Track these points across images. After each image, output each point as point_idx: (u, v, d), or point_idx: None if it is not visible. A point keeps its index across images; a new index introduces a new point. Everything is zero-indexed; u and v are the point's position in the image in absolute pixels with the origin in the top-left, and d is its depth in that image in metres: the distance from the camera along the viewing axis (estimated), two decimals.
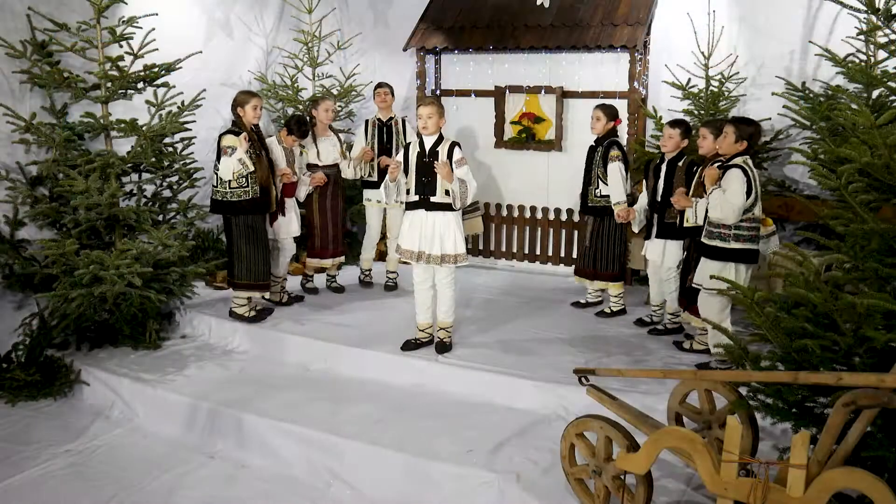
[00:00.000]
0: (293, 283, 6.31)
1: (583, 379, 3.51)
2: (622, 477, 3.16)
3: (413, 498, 3.70)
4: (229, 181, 5.18)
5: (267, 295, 5.80)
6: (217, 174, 5.24)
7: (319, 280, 6.44)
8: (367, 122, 6.29)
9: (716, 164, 4.50)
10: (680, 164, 4.98)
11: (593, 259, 5.65)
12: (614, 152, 5.40)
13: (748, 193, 4.16)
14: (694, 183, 4.73)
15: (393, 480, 3.79)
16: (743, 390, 3.26)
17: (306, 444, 4.07)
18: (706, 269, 4.33)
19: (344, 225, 6.30)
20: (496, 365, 4.65)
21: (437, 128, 4.65)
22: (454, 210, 4.69)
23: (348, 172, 6.13)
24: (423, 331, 4.96)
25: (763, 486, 2.63)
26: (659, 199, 5.06)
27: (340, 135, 6.32)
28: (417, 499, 3.69)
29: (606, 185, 5.44)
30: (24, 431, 4.47)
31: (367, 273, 6.56)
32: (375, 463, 3.87)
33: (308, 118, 6.04)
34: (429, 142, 4.68)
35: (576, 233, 6.91)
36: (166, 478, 3.97)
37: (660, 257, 5.11)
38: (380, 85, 6.33)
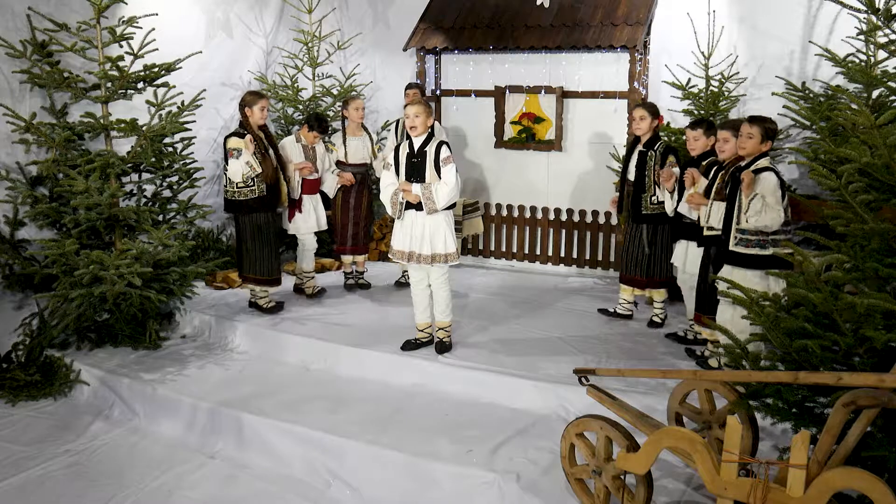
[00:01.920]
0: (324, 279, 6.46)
1: (583, 379, 3.51)
2: (622, 477, 3.16)
3: (413, 498, 3.70)
4: (236, 182, 5.31)
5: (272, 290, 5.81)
6: (225, 174, 5.37)
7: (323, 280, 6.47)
8: (398, 122, 6.32)
9: (742, 168, 4.26)
10: (703, 163, 4.74)
11: (648, 267, 5.27)
12: (671, 158, 5.04)
13: (782, 196, 4.03)
14: (716, 187, 4.46)
15: (393, 480, 3.79)
16: (743, 390, 3.26)
17: (306, 444, 4.07)
18: (746, 280, 4.01)
19: (367, 224, 6.38)
20: (496, 365, 4.65)
21: (424, 127, 4.67)
22: (445, 209, 4.70)
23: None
24: (422, 331, 4.96)
25: (763, 486, 2.63)
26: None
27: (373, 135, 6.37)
28: (417, 499, 3.69)
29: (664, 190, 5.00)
30: (24, 431, 4.48)
31: (405, 273, 6.54)
32: (375, 463, 3.87)
33: (342, 118, 6.17)
34: (417, 142, 4.70)
35: (576, 233, 6.92)
36: (166, 478, 3.97)
37: (682, 261, 4.91)
38: (409, 86, 6.39)
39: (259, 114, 5.38)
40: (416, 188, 4.64)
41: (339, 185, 6.09)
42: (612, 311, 5.62)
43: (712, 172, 4.60)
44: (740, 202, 4.13)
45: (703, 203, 4.50)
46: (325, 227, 6.03)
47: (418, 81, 6.58)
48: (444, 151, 4.67)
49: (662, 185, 4.95)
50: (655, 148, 5.11)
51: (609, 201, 5.62)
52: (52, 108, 5.45)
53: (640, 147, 5.17)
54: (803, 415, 2.96)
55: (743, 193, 4.08)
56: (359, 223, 6.26)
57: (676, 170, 4.92)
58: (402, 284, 6.46)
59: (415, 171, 4.68)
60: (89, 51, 5.20)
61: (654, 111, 5.13)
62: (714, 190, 4.47)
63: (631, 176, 5.21)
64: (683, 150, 5.18)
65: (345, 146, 6.12)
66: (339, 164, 6.12)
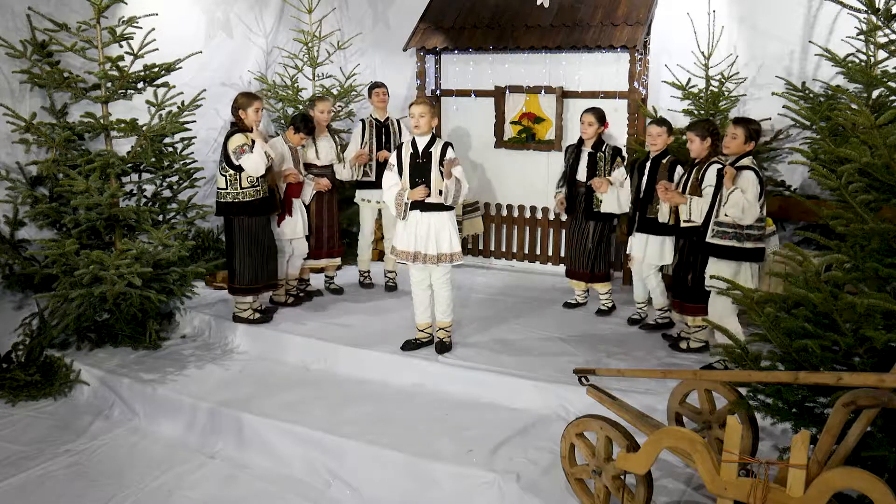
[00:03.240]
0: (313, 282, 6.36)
1: (583, 379, 3.51)
2: (622, 477, 3.16)
3: (413, 498, 3.70)
4: (240, 182, 5.13)
5: (269, 295, 5.77)
6: (225, 175, 5.15)
7: (317, 281, 6.41)
8: (363, 122, 6.27)
9: (717, 165, 4.57)
10: (664, 161, 5.07)
11: (593, 262, 5.65)
12: (619, 159, 5.53)
13: (760, 194, 4.24)
14: (690, 183, 4.73)
15: (393, 480, 3.79)
16: (743, 390, 3.26)
17: (306, 444, 4.07)
18: (720, 270, 4.27)
19: (339, 226, 6.26)
20: (496, 365, 4.65)
21: (429, 127, 4.65)
22: (448, 209, 4.69)
23: (344, 174, 6.11)
24: (422, 331, 4.96)
25: (763, 486, 2.63)
26: (641, 195, 5.16)
27: (340, 135, 6.29)
28: (417, 499, 3.69)
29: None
30: (24, 431, 4.48)
31: (365, 274, 6.54)
32: (375, 463, 3.87)
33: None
34: (421, 142, 4.68)
35: None
36: (166, 478, 3.98)
37: (642, 253, 5.17)
38: (378, 84, 6.31)
39: (254, 116, 5.18)
40: (447, 183, 4.58)
41: (314, 192, 5.90)
42: (574, 302, 5.94)
43: (677, 170, 4.98)
44: (721, 196, 4.37)
45: (681, 201, 4.71)
46: (307, 231, 5.87)
47: (382, 81, 6.50)
48: (450, 153, 4.65)
49: (597, 188, 5.41)
50: (603, 150, 5.52)
51: (556, 202, 5.84)
52: (52, 108, 5.46)
53: (587, 149, 5.57)
54: (803, 415, 2.96)
55: (724, 187, 4.32)
56: (332, 227, 6.10)
57: (620, 172, 5.43)
58: (365, 284, 6.44)
59: (419, 171, 4.65)
60: (89, 51, 5.20)
61: (601, 117, 5.55)
62: (690, 186, 4.73)
63: (581, 177, 5.57)
64: (684, 151, 5.21)
65: (315, 146, 5.99)
66: (307, 166, 5.94)
